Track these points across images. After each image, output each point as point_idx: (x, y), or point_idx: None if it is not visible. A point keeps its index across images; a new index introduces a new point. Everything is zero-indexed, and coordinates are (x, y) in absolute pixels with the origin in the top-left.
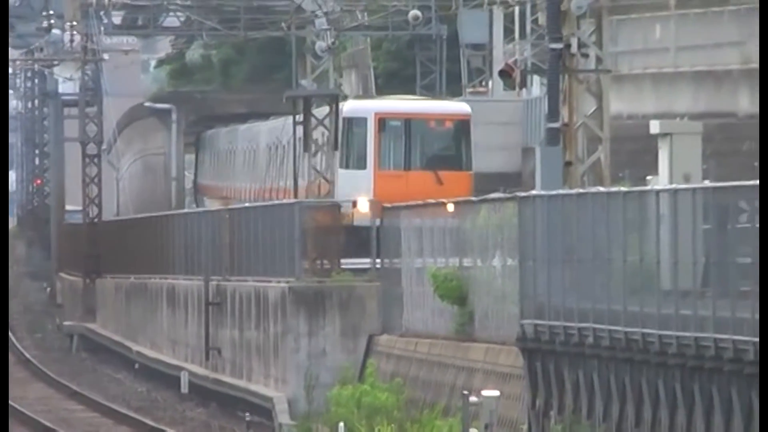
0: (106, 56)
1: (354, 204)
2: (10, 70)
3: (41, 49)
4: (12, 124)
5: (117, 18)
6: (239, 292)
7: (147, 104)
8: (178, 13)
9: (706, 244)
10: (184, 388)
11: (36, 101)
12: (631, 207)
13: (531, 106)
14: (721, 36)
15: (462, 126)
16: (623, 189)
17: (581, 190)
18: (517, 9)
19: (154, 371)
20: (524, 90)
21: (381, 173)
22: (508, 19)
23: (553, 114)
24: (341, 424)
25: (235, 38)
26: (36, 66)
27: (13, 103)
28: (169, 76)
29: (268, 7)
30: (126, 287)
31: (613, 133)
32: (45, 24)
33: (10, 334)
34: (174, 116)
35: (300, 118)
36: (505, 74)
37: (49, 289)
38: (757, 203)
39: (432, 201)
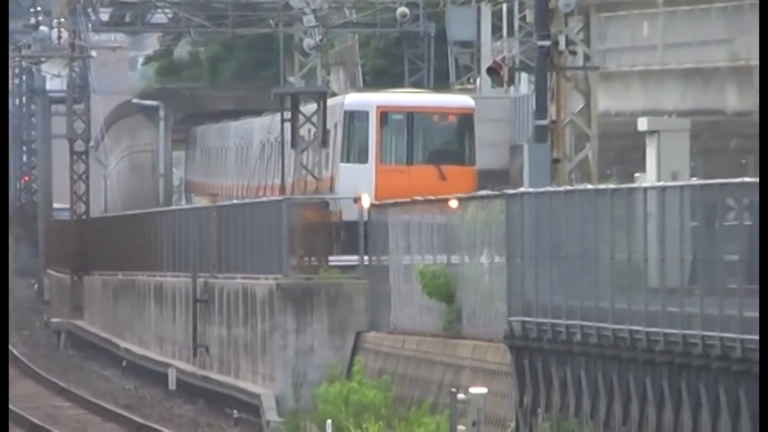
0: (93, 53)
1: (356, 200)
2: None
3: (29, 46)
4: None
5: (105, 15)
6: (227, 289)
7: (135, 101)
8: (166, 10)
9: (694, 241)
10: (172, 385)
11: (23, 98)
12: (618, 204)
13: (519, 104)
14: (709, 33)
15: (466, 120)
16: (611, 186)
17: (569, 188)
18: (505, 6)
19: (142, 368)
20: (512, 87)
21: (383, 168)
22: (496, 16)
23: (540, 111)
24: (329, 421)
25: (223, 35)
26: (23, 63)
27: None
28: (157, 73)
29: (256, 4)
30: (114, 284)
31: (601, 130)
32: (32, 21)
33: None
34: (162, 113)
35: (288, 115)
36: (493, 71)
37: (36, 286)
38: (745, 200)
39: (420, 198)
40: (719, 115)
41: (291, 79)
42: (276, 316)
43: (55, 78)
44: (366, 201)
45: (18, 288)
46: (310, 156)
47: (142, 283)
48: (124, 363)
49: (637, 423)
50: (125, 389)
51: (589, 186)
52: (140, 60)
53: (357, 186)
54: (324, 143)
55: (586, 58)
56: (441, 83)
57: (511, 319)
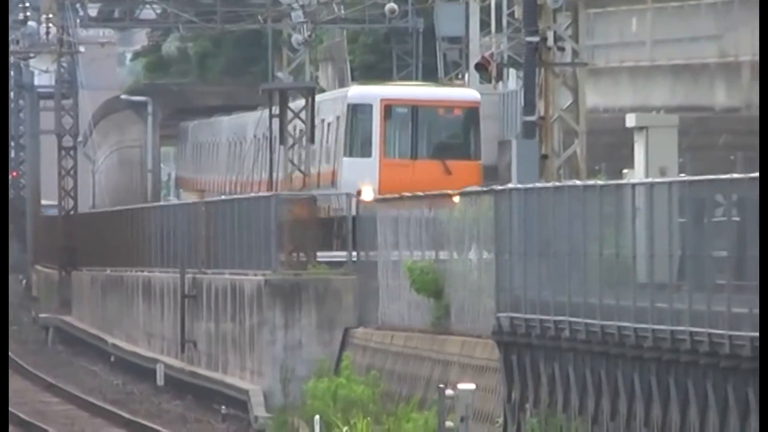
0: (82, 48)
1: (358, 193)
2: None
3: (17, 41)
4: None
5: (93, 10)
6: (215, 284)
7: (123, 96)
8: (155, 6)
9: (682, 237)
10: (160, 381)
11: (12, 93)
12: (607, 200)
13: (507, 100)
14: (698, 29)
15: (471, 114)
16: (599, 182)
17: (557, 184)
18: (493, 2)
19: (130, 364)
20: (500, 83)
21: (387, 161)
22: (485, 12)
23: (529, 107)
24: (317, 417)
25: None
26: (12, 58)
27: None
28: (146, 68)
29: None
30: (102, 280)
31: (590, 126)
32: (21, 16)
33: None
34: (150, 109)
35: (276, 110)
36: (482, 67)
37: (24, 281)
38: (733, 197)
39: (408, 194)
40: (708, 112)
41: (279, 74)
42: (264, 312)
43: (43, 73)
44: (369, 194)
45: None
46: (300, 151)
47: (130, 279)
48: (112, 358)
49: (625, 419)
50: (113, 385)
51: (578, 182)
52: (129, 56)
53: (360, 180)
54: (312, 139)
55: (575, 54)
56: (429, 79)
57: (500, 315)
